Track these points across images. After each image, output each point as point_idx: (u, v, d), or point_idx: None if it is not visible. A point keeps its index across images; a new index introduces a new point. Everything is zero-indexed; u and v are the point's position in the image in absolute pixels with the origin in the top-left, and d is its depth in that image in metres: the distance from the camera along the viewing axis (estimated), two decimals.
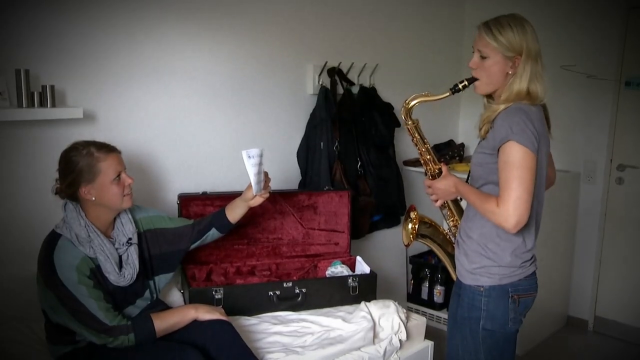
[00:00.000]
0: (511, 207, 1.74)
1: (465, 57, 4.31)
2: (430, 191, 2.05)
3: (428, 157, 2.10)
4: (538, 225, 1.95)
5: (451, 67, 4.25)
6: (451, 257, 2.18)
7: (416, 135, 2.12)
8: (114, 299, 2.08)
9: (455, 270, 2.11)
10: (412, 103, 2.08)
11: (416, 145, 2.13)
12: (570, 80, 3.80)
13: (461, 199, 2.07)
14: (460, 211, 2.13)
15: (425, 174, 2.13)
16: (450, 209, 2.15)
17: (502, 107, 1.84)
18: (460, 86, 1.95)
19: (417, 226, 2.15)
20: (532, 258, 1.95)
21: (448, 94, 1.99)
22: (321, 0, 3.28)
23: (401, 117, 2.14)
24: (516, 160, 1.75)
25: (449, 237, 2.20)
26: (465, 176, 2.10)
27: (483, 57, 1.88)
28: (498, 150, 1.81)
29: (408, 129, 2.12)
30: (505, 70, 1.86)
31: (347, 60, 3.38)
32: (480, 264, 1.92)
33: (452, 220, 2.16)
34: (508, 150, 1.77)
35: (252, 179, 2.29)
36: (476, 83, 1.92)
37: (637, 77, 3.67)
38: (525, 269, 1.93)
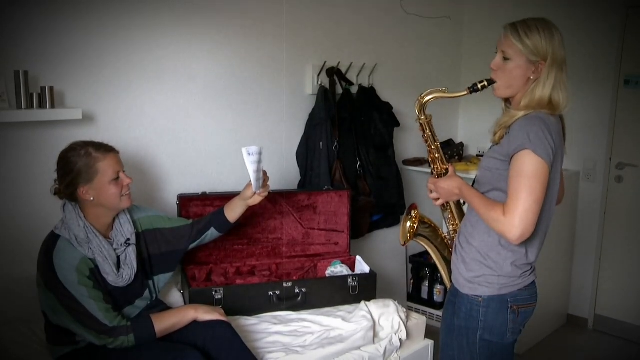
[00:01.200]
0: (517, 218, 1.68)
1: (464, 57, 4.32)
2: (433, 188, 2.01)
3: (437, 155, 2.05)
4: (543, 240, 1.90)
5: (450, 66, 4.26)
6: (447, 262, 2.14)
7: (427, 131, 2.05)
8: (114, 300, 2.09)
9: (449, 276, 2.08)
10: (427, 98, 1.99)
11: (426, 142, 2.07)
12: (569, 79, 3.80)
13: (464, 203, 2.03)
14: (462, 216, 2.08)
15: (432, 173, 2.08)
16: (452, 212, 2.11)
17: (521, 113, 1.77)
18: (479, 86, 1.87)
19: (416, 225, 2.11)
20: (531, 268, 1.91)
21: (465, 92, 1.91)
22: (319, 0, 3.29)
23: (414, 110, 2.06)
24: (530, 170, 1.69)
25: (448, 241, 2.17)
26: (464, 175, 2.07)
27: (506, 59, 1.81)
28: (511, 157, 1.75)
29: (420, 123, 2.05)
30: (527, 74, 1.80)
31: (346, 60, 3.38)
32: (479, 273, 1.88)
33: (453, 225, 2.12)
34: (522, 159, 1.71)
35: (252, 176, 2.29)
36: (495, 85, 1.86)
37: (636, 76, 3.67)
38: (525, 279, 1.89)
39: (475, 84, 1.88)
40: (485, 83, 1.87)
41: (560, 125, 1.84)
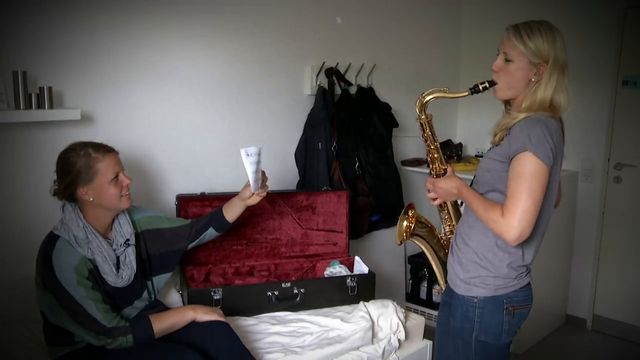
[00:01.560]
0: (516, 219, 1.69)
1: (462, 57, 4.33)
2: (431, 187, 2.00)
3: (436, 155, 2.04)
4: (540, 242, 1.90)
5: (448, 66, 4.26)
6: (442, 263, 2.14)
7: (427, 131, 2.05)
8: (112, 300, 2.09)
9: (444, 277, 2.08)
10: (428, 97, 1.98)
11: (426, 141, 2.06)
12: (568, 79, 3.81)
13: (461, 204, 2.02)
14: (459, 216, 2.08)
15: (430, 173, 2.07)
16: (448, 212, 2.10)
17: (522, 115, 1.77)
18: (480, 87, 1.87)
19: (412, 225, 2.10)
20: (527, 270, 1.91)
21: (466, 93, 1.91)
22: (318, 0, 3.29)
23: (413, 110, 2.05)
24: (530, 172, 1.70)
25: (444, 242, 2.16)
26: (462, 176, 2.06)
27: (508, 61, 1.81)
28: (511, 159, 1.75)
29: (421, 123, 2.04)
30: (528, 76, 1.80)
31: (345, 60, 3.38)
32: (475, 274, 1.88)
33: (449, 225, 2.12)
34: (523, 161, 1.71)
35: (250, 176, 2.30)
36: (496, 87, 1.85)
37: (634, 76, 3.68)
38: (521, 280, 1.89)
39: (477, 85, 1.88)
40: (487, 84, 1.87)
41: (560, 128, 1.84)
